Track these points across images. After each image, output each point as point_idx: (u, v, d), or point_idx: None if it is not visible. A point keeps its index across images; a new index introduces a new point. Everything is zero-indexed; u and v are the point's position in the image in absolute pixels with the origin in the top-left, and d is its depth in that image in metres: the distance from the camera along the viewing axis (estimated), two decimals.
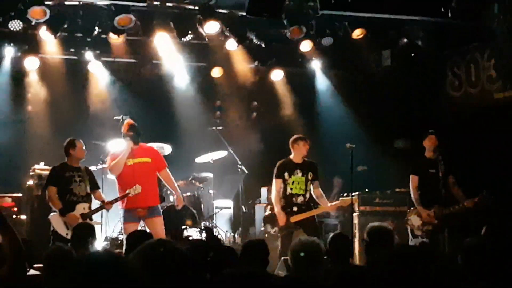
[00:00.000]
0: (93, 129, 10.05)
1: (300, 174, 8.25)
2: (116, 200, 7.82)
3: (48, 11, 8.48)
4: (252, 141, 11.40)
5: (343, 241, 5.31)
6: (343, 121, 11.07)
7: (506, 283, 3.74)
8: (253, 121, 12.11)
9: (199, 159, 10.61)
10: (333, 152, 10.20)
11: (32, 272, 4.95)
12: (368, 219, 9.46)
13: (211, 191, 10.77)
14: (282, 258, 6.54)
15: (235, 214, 11.19)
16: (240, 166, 10.54)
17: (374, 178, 11.01)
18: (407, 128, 10.45)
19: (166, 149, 9.97)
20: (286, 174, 8.22)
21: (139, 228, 7.82)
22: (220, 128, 11.01)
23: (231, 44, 9.98)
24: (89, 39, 9.60)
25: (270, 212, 8.35)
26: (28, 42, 9.66)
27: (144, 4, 8.93)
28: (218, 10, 9.13)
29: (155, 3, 9.12)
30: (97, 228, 7.97)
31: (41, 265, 4.63)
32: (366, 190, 10.17)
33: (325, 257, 4.70)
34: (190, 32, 9.38)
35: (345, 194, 8.33)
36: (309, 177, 8.27)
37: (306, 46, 10.03)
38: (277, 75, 11.18)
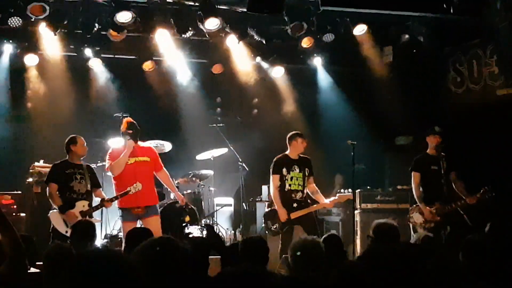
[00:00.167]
0: (93, 126, 10.02)
1: (297, 170, 8.22)
2: (116, 198, 7.77)
3: (47, 8, 8.45)
4: (253, 138, 11.36)
5: (335, 242, 5.29)
6: (344, 118, 11.04)
7: (507, 282, 3.70)
8: (254, 118, 12.08)
9: (200, 156, 10.58)
10: (334, 149, 10.18)
11: (32, 270, 4.91)
12: (369, 217, 9.45)
13: (211, 189, 10.75)
14: (283, 255, 6.51)
15: (236, 212, 11.16)
16: (241, 163, 10.52)
17: (376, 175, 10.99)
18: (408, 125, 10.43)
19: (167, 146, 9.95)
20: (284, 170, 8.18)
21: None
22: (221, 125, 10.97)
23: (232, 41, 9.94)
24: (89, 36, 9.56)
25: (270, 208, 8.31)
26: (27, 39, 9.63)
27: (144, 1, 8.89)
28: (218, 7, 9.09)
29: None
30: (97, 226, 7.92)
31: (41, 263, 4.60)
32: (368, 187, 10.15)
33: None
34: (190, 28, 9.33)
35: (342, 190, 8.31)
36: (306, 173, 8.25)
37: (307, 42, 9.99)
38: (278, 72, 11.15)
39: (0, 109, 10.19)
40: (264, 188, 10.40)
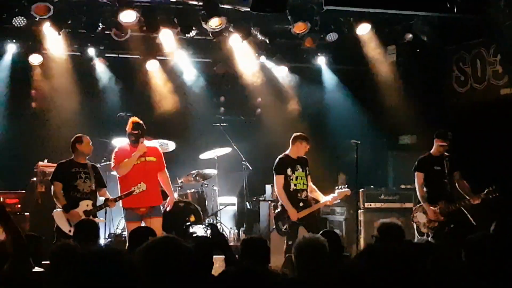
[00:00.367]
0: (97, 126, 10.02)
1: (301, 169, 8.22)
2: (120, 198, 7.77)
3: (51, 7, 8.46)
4: (256, 137, 11.36)
5: (333, 238, 5.28)
6: (347, 117, 11.03)
7: (509, 282, 3.69)
8: (257, 117, 12.08)
9: (204, 156, 10.57)
10: (338, 148, 10.18)
11: (37, 269, 4.92)
12: (373, 216, 9.45)
13: (215, 188, 10.74)
14: (287, 255, 6.52)
15: (240, 211, 11.16)
16: (244, 163, 10.52)
17: (379, 174, 10.98)
18: (412, 124, 10.42)
19: (170, 145, 9.95)
20: (289, 170, 8.17)
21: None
22: (225, 124, 10.97)
23: (236, 40, 9.95)
24: (92, 35, 9.58)
25: (280, 209, 8.26)
26: (31, 39, 9.65)
27: (148, 0, 8.90)
28: (222, 6, 9.09)
29: None
30: (101, 225, 7.92)
31: (48, 262, 4.62)
32: (371, 186, 10.14)
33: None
34: (194, 28, 9.35)
35: (340, 187, 8.28)
36: (307, 172, 8.26)
37: (310, 41, 9.98)
38: (281, 71, 11.14)
39: (4, 108, 10.21)
40: (268, 187, 10.40)
